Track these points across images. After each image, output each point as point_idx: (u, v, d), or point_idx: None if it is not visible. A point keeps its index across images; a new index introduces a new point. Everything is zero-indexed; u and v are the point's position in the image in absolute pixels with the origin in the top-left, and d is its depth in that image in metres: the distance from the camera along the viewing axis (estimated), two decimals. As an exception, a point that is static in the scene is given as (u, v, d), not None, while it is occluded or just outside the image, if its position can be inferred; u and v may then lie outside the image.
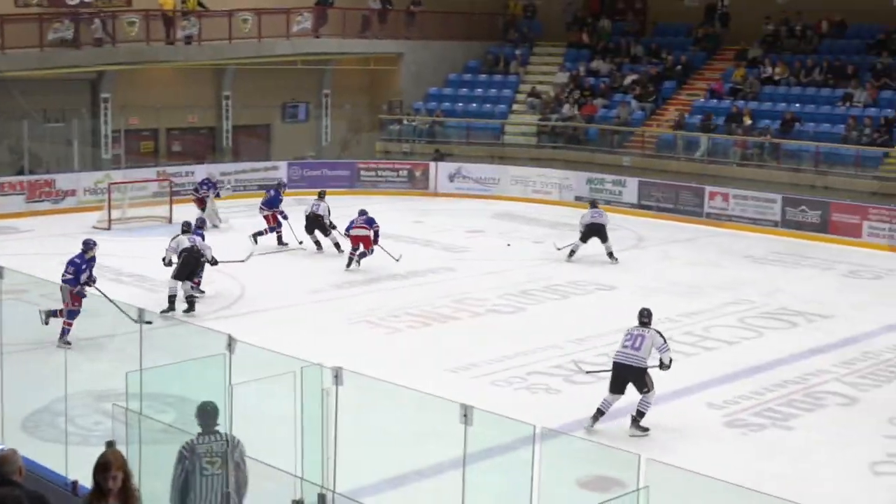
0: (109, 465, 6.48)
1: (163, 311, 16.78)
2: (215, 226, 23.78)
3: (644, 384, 12.32)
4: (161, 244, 18.51)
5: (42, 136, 27.88)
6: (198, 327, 14.63)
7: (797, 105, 29.01)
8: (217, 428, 8.08)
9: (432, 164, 30.51)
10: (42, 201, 25.97)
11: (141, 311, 9.40)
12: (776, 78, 30.22)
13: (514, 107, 33.24)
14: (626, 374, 12.39)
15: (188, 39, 29.15)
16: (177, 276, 17.14)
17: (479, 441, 7.37)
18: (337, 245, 21.60)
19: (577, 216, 22.71)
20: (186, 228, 17.83)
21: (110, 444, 7.21)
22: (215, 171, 27.01)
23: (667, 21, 34.70)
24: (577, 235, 21.94)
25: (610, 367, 12.90)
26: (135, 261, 20.20)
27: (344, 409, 8.30)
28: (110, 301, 15.30)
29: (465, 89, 33.99)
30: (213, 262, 17.78)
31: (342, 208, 22.75)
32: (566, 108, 31.82)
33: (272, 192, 23.15)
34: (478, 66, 34.91)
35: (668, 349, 12.65)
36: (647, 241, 24.51)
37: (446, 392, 10.49)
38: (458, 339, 16.27)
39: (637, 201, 27.89)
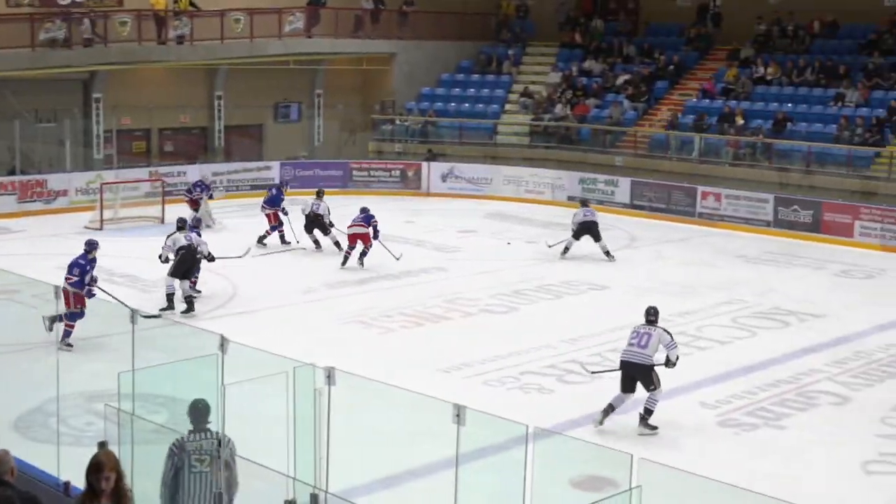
0: (102, 466, 6.47)
1: (161, 309, 16.79)
2: (208, 226, 23.74)
3: (650, 382, 12.37)
4: (153, 244, 18.49)
5: (34, 137, 27.84)
6: (190, 327, 14.63)
7: (789, 105, 29.06)
8: (208, 426, 8.08)
9: (425, 164, 30.51)
10: (34, 201, 25.93)
11: (133, 312, 9.37)
12: (768, 78, 30.27)
13: (507, 107, 33.26)
14: (633, 372, 12.44)
15: (180, 39, 29.10)
16: (173, 273, 17.11)
17: (471, 441, 7.37)
18: (337, 243, 21.63)
19: (570, 216, 22.76)
20: (182, 225, 17.80)
21: (102, 445, 7.20)
22: (207, 171, 26.97)
23: (659, 21, 34.74)
24: (570, 234, 22.06)
25: (613, 367, 13.05)
26: (127, 261, 20.17)
27: (336, 409, 8.29)
28: (117, 301, 15.42)
29: (457, 89, 34.00)
30: (211, 259, 17.75)
31: (336, 208, 22.76)
32: (559, 108, 31.84)
33: (274, 191, 23.19)
34: (470, 66, 34.92)
35: (676, 347, 12.71)
36: (640, 241, 24.54)
37: (439, 392, 10.50)
38: (451, 339, 16.27)
39: (629, 201, 27.91)
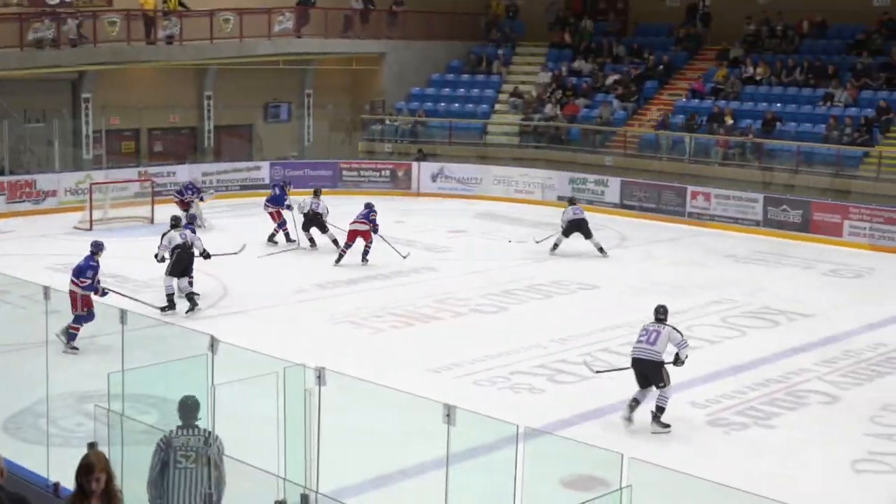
0: (93, 467, 6.45)
1: (163, 310, 16.78)
2: (200, 226, 23.72)
3: (660, 379, 12.44)
4: (143, 244, 18.47)
5: (23, 137, 27.76)
6: (180, 328, 14.58)
7: (778, 105, 29.12)
8: (197, 423, 8.08)
9: (415, 164, 30.51)
10: (23, 202, 25.86)
11: (123, 312, 9.35)
12: (757, 78, 30.33)
13: (497, 107, 33.27)
14: (643, 369, 12.53)
15: (169, 39, 29.05)
16: (171, 272, 17.11)
17: (462, 441, 7.36)
18: (335, 241, 21.75)
19: (559, 216, 22.81)
20: (176, 223, 17.77)
21: (92, 446, 7.19)
22: (197, 170, 26.93)
23: (648, 21, 34.78)
24: (559, 231, 22.23)
25: (618, 366, 13.31)
26: (116, 261, 20.07)
27: (327, 410, 8.28)
28: (131, 299, 15.53)
29: (447, 89, 34.00)
30: (206, 256, 17.71)
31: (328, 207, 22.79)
32: (548, 108, 31.87)
33: (277, 191, 23.28)
34: (460, 65, 34.93)
35: (687, 345, 12.78)
36: (630, 241, 24.56)
37: (429, 392, 10.49)
38: (441, 339, 16.26)
39: (619, 201, 27.95)
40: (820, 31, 31.15)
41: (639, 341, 12.66)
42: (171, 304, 16.98)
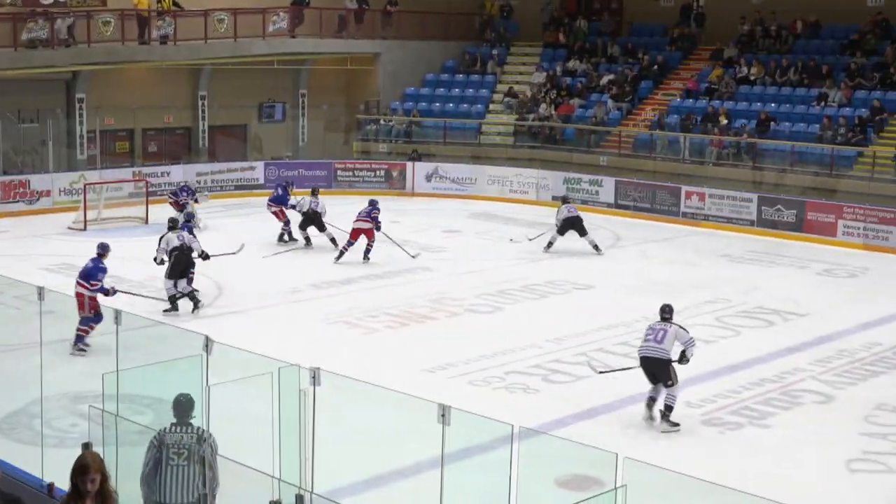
0: (88, 468, 6.45)
1: (165, 311, 16.78)
2: (196, 225, 23.72)
3: (668, 377, 12.50)
4: (137, 245, 18.44)
5: (16, 137, 27.71)
6: (175, 328, 14.56)
7: (772, 105, 29.15)
8: (191, 421, 8.07)
9: (409, 164, 30.50)
10: (16, 202, 25.81)
11: (118, 313, 9.34)
12: (752, 78, 30.36)
13: (491, 107, 33.27)
14: (652, 367, 12.59)
15: (164, 39, 29.00)
16: (170, 275, 17.11)
17: (457, 441, 7.37)
18: (333, 240, 21.86)
19: (553, 216, 22.86)
20: (173, 225, 17.76)
21: (87, 446, 7.19)
22: (191, 171, 26.90)
23: (642, 21, 34.80)
24: (554, 229, 22.35)
25: (621, 367, 13.47)
26: (111, 262, 20.00)
27: (321, 410, 8.28)
28: (144, 296, 15.60)
29: (442, 89, 34.00)
30: (206, 257, 17.70)
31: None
32: (543, 108, 31.87)
33: (280, 191, 23.36)
34: (455, 66, 34.92)
35: (694, 344, 12.84)
36: (625, 241, 24.57)
37: (424, 392, 10.49)
38: (436, 339, 16.26)
39: (614, 201, 27.96)
40: (814, 32, 31.18)
41: (646, 340, 12.72)
42: (173, 306, 16.99)
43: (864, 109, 27.46)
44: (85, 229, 23.79)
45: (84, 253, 15.91)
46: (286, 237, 22.93)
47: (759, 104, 29.27)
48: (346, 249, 20.98)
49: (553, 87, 32.73)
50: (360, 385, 10.08)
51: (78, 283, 15.05)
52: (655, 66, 32.26)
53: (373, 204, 21.26)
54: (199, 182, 27.65)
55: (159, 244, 17.63)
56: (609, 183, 28.19)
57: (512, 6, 36.05)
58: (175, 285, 17.10)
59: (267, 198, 23.80)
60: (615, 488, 6.74)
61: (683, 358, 12.72)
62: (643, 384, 12.96)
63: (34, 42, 26.65)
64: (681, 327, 12.80)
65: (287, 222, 22.88)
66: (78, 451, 6.87)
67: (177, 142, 31.29)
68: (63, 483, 7.02)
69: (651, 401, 12.67)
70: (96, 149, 28.96)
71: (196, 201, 24.48)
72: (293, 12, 31.29)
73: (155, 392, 10.42)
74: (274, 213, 23.07)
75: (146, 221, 24.64)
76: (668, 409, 12.56)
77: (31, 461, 9.46)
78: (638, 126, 30.66)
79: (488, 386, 14.05)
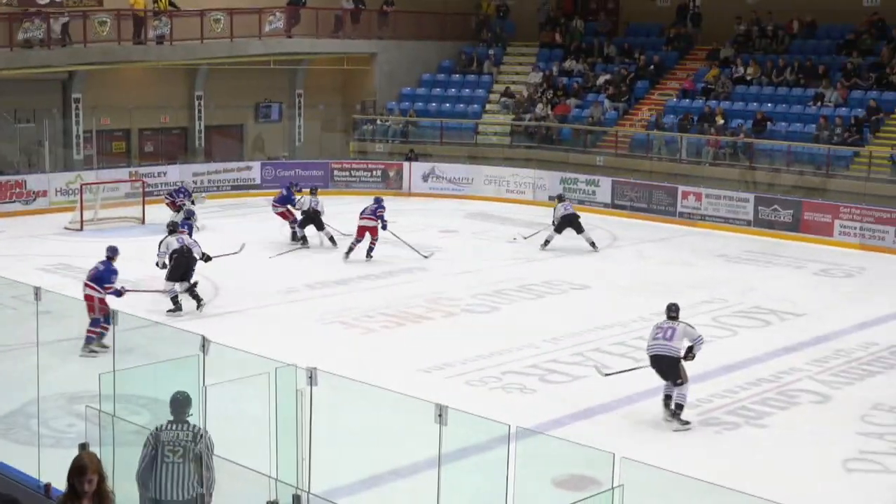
0: (85, 469, 6.44)
1: (169, 311, 16.78)
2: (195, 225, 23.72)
3: (678, 375, 12.53)
4: (134, 245, 18.41)
5: (12, 137, 27.68)
6: (171, 328, 14.55)
7: (769, 105, 29.17)
8: (188, 419, 8.07)
9: (406, 164, 30.51)
10: (13, 202, 25.80)
11: (114, 313, 9.33)
12: (748, 78, 30.38)
13: (488, 107, 33.28)
14: (662, 365, 12.63)
15: (160, 39, 28.99)
16: (171, 277, 17.13)
17: (454, 441, 7.36)
18: (331, 238, 21.96)
19: (550, 215, 22.89)
20: (173, 228, 17.75)
21: (83, 447, 7.18)
22: (188, 171, 26.88)
23: (639, 21, 34.81)
24: (551, 228, 22.45)
25: (628, 367, 13.58)
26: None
27: (318, 410, 8.27)
28: (146, 291, 15.75)
29: (438, 89, 34.00)
30: (207, 259, 17.67)
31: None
32: (539, 108, 31.88)
33: (284, 191, 23.41)
34: (451, 66, 34.93)
35: (703, 341, 12.87)
36: (622, 241, 24.58)
37: (421, 392, 10.47)
38: (433, 339, 16.26)
39: (611, 201, 27.97)
40: (810, 32, 31.20)
41: (655, 338, 12.74)
42: (177, 307, 16.99)
43: (860, 109, 27.49)
44: (81, 229, 23.78)
45: (81, 253, 15.92)
46: (298, 234, 22.94)
47: (755, 104, 29.29)
48: (354, 246, 21.16)
49: (549, 87, 32.74)
50: (356, 385, 10.06)
51: (87, 285, 15.03)
52: (652, 66, 32.27)
53: (378, 202, 21.36)
54: (195, 182, 27.66)
55: (159, 248, 17.61)
56: (606, 183, 28.20)
57: (508, 6, 36.07)
58: (176, 287, 17.10)
59: (272, 198, 23.80)
60: (612, 488, 6.73)
61: (690, 353, 12.74)
62: (640, 384, 12.97)
63: (30, 42, 26.63)
64: (688, 324, 12.89)
65: (295, 220, 22.93)
66: (75, 452, 6.85)
67: (173, 142, 31.27)
68: (60, 483, 7.01)
69: (668, 399, 12.70)
70: (93, 149, 28.94)
71: (192, 203, 24.48)
72: (289, 12, 31.28)
73: (152, 392, 10.40)
74: (280, 213, 23.12)
75: (143, 222, 24.64)
76: (679, 407, 12.58)
77: (28, 461, 9.44)
78: (634, 126, 30.67)
79: (485, 386, 14.04)
